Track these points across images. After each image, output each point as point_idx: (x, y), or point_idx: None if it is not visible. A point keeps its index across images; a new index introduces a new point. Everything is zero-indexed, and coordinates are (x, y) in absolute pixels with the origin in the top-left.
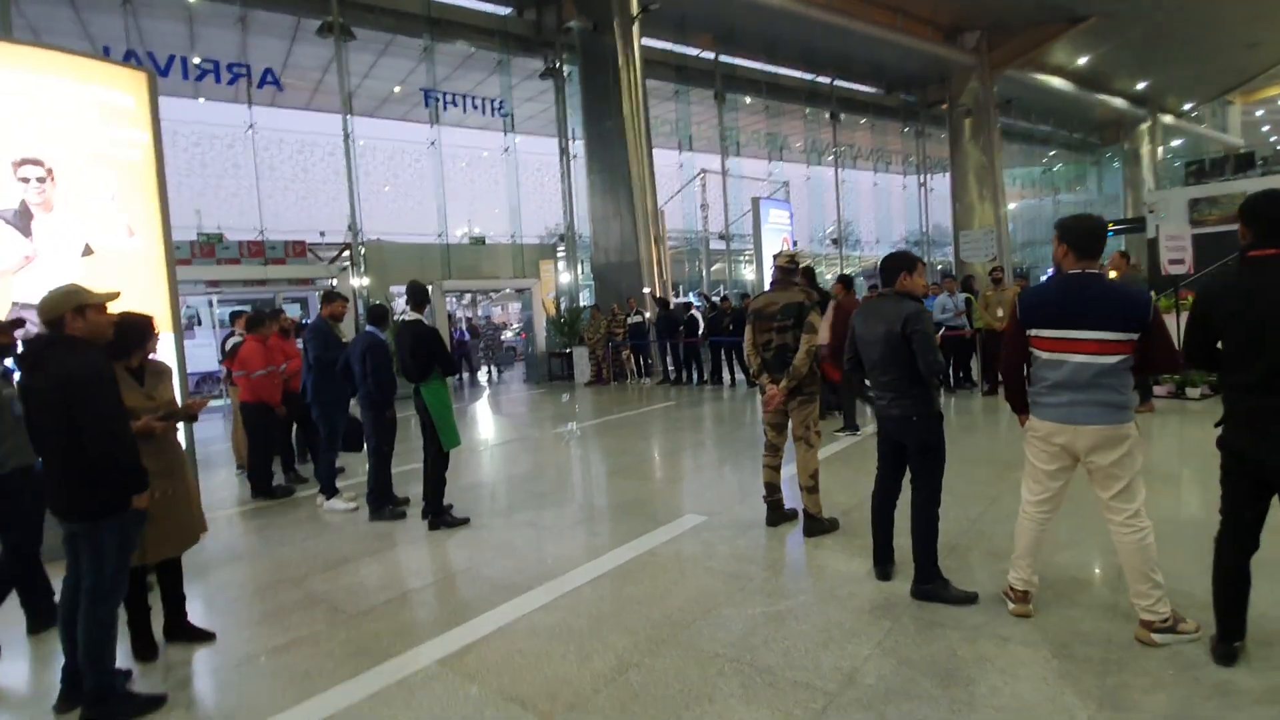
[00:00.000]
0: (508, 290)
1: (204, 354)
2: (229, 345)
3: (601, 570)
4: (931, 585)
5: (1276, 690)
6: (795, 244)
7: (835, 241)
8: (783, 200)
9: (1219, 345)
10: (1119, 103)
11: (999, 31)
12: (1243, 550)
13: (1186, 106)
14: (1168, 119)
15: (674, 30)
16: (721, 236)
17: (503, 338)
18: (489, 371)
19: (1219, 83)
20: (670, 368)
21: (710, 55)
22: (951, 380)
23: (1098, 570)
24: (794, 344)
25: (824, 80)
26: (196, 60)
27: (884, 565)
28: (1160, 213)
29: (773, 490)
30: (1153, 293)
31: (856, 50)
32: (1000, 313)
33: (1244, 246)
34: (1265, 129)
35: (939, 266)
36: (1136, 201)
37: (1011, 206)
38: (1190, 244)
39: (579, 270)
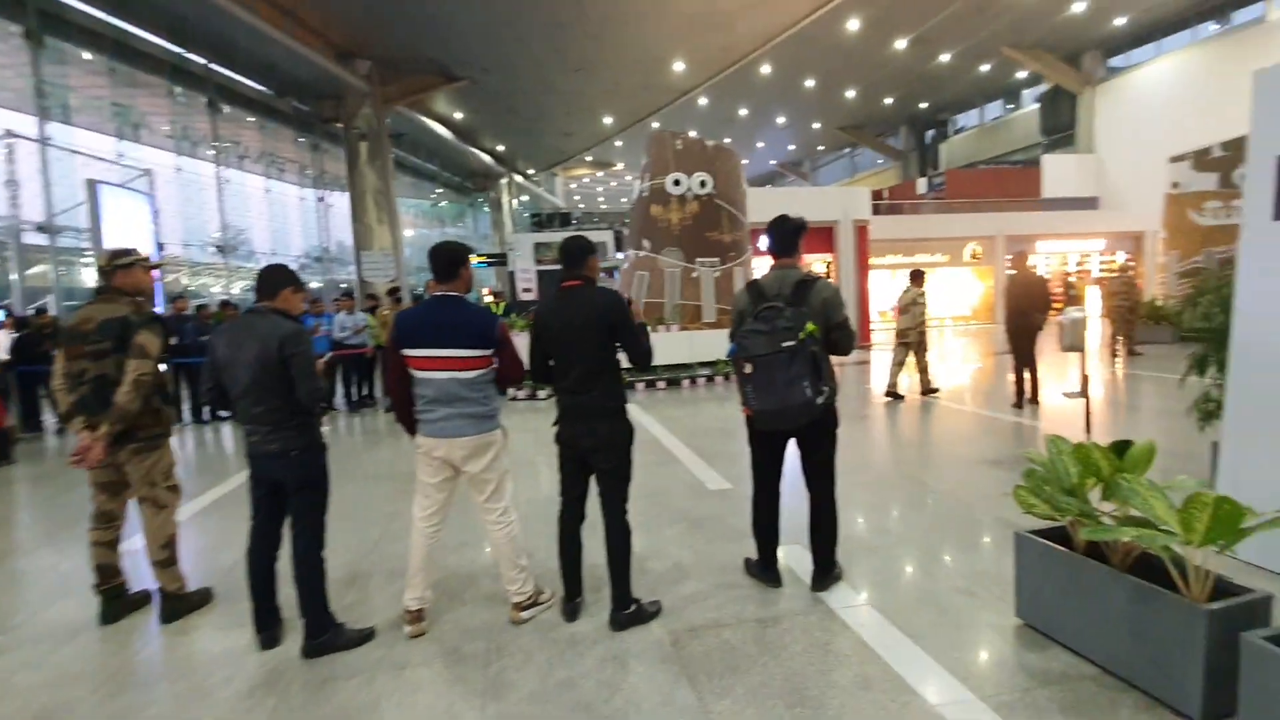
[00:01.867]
0: None
1: None
2: None
3: None
4: (319, 639)
5: (602, 628)
6: (163, 247)
7: (221, 249)
8: (143, 191)
9: (551, 361)
10: (486, 158)
11: (388, 68)
12: (576, 522)
13: (530, 171)
14: (519, 178)
15: None
16: (42, 228)
17: None
18: None
19: (547, 158)
20: None
21: None
22: (355, 397)
23: (484, 564)
24: (117, 374)
25: (198, 60)
26: None
27: (269, 630)
28: (517, 251)
29: (108, 574)
30: (513, 314)
31: (239, 38)
32: None
33: (560, 278)
34: (577, 197)
35: (342, 285)
36: (501, 241)
37: (410, 233)
38: (536, 277)
39: None
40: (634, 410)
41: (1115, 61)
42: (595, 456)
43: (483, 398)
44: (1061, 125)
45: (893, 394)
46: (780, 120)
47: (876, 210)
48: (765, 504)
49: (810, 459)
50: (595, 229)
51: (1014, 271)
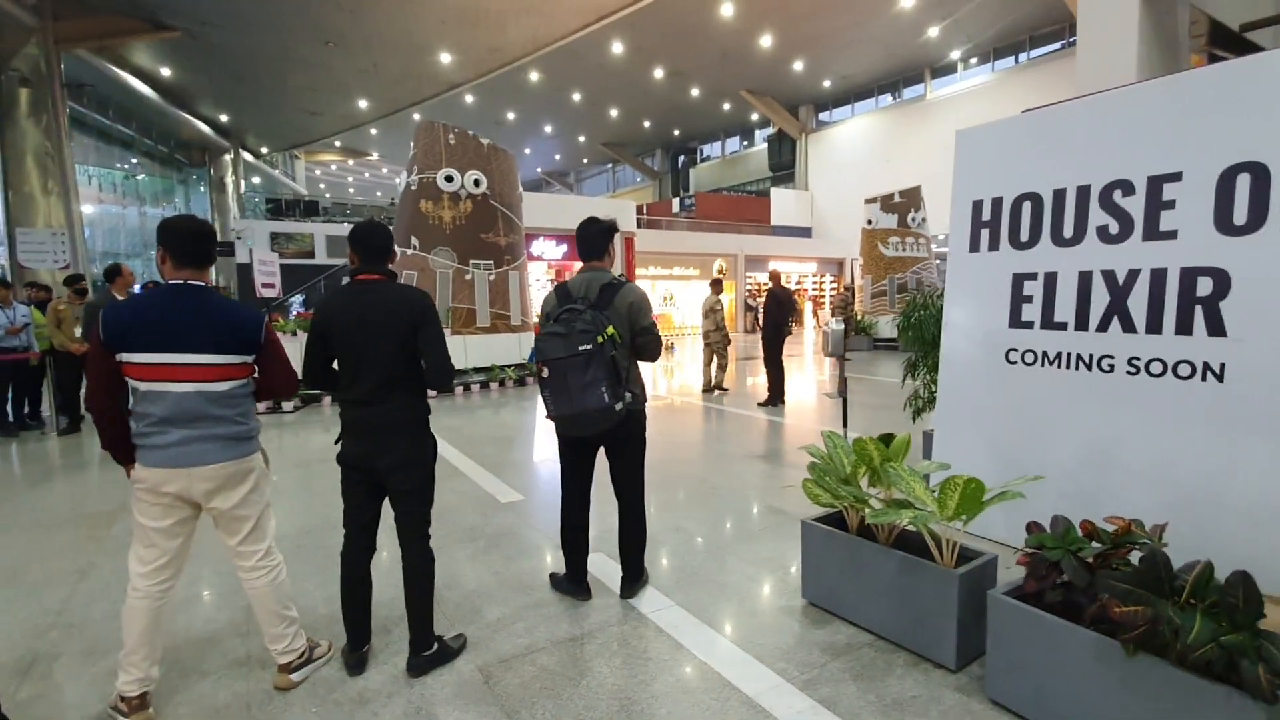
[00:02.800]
0: None
1: None
2: None
3: None
4: None
5: (398, 676)
6: None
7: None
8: None
9: (335, 364)
10: (205, 128)
11: (68, 2)
12: (365, 555)
13: (264, 150)
14: (249, 156)
15: None
16: None
17: None
18: None
19: (287, 138)
20: None
21: None
22: (12, 417)
23: (225, 620)
24: None
25: None
26: None
27: None
28: (248, 240)
29: None
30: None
31: None
32: (79, 331)
33: (353, 270)
34: (323, 186)
35: None
36: (224, 227)
37: (91, 209)
38: (279, 270)
39: None
40: None
41: (824, 116)
42: (393, 477)
43: (238, 415)
44: (785, 164)
45: (710, 388)
46: (548, 129)
47: (638, 224)
48: (575, 512)
49: (618, 466)
50: (348, 221)
51: (771, 286)
